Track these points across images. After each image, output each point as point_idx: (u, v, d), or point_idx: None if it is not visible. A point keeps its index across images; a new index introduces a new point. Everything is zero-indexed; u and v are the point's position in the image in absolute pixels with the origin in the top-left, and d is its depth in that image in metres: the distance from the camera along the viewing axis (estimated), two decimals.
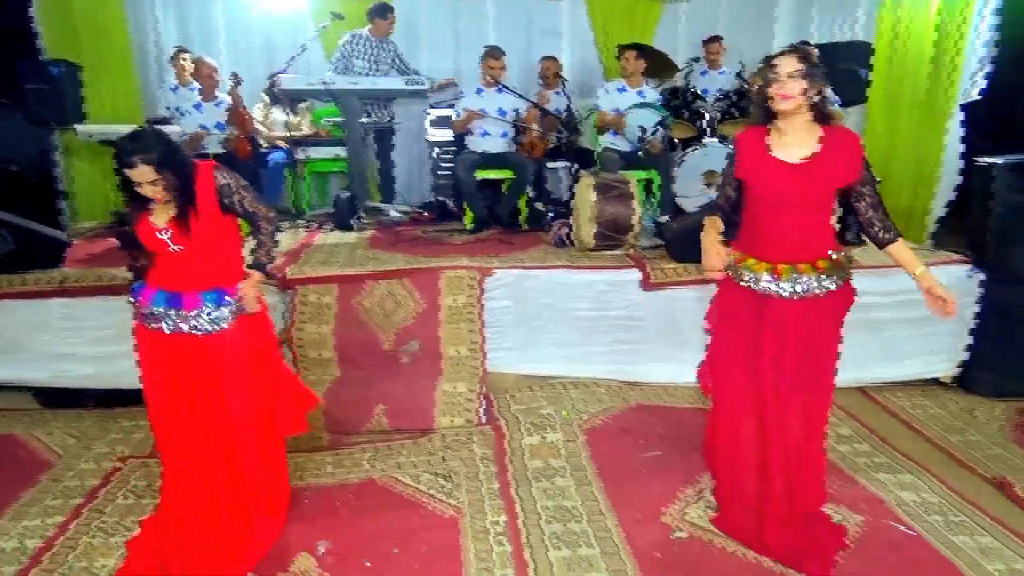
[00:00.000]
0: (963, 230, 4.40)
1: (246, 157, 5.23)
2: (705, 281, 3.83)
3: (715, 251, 2.52)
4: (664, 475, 3.12)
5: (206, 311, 2.34)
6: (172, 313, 2.31)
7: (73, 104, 5.56)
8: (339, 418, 3.52)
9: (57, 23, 5.99)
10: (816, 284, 2.40)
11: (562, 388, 3.93)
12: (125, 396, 3.69)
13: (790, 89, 2.27)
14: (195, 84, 5.54)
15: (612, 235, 4.24)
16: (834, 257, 2.43)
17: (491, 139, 5.30)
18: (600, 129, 5.28)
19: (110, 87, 6.19)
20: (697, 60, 6.08)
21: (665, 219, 4.83)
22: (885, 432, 3.59)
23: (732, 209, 2.61)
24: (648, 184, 5.27)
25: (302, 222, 5.44)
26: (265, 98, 5.87)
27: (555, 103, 5.78)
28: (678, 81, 6.13)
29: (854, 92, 5.87)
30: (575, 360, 4.05)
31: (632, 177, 4.43)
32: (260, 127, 5.65)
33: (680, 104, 5.82)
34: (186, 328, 2.32)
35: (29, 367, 3.82)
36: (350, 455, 3.33)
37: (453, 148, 5.93)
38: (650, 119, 5.03)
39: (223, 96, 5.34)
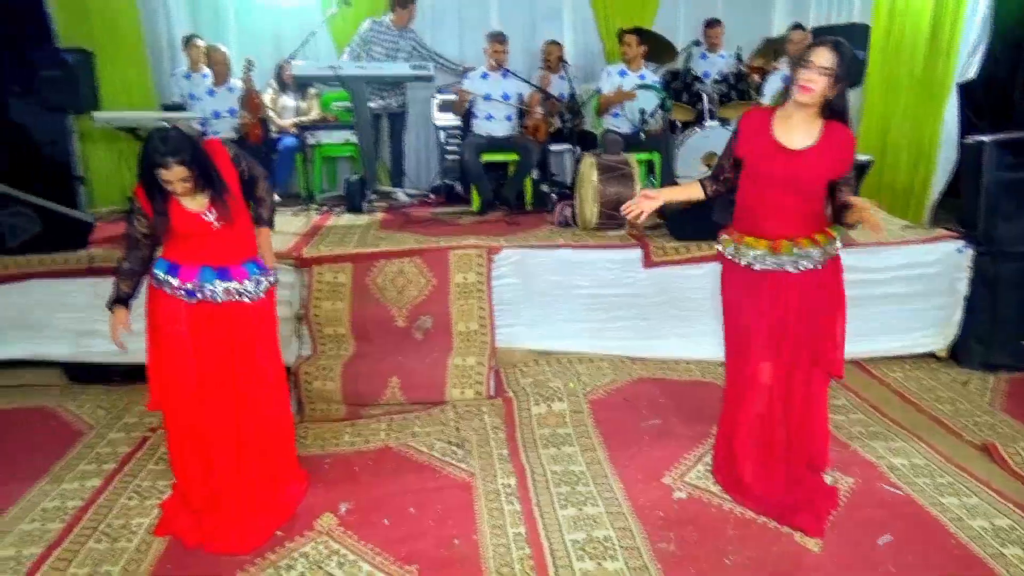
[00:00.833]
0: (958, 208, 4.52)
1: (257, 141, 5.37)
2: (705, 259, 3.98)
3: (653, 196, 2.64)
4: (665, 441, 3.28)
5: (252, 279, 2.58)
6: (225, 285, 2.52)
7: (87, 91, 5.66)
8: (355, 391, 3.68)
9: (70, 10, 6.09)
10: (817, 256, 2.53)
11: (568, 362, 4.08)
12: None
13: (814, 83, 2.34)
14: (207, 71, 5.66)
15: (614, 214, 4.36)
16: (826, 232, 2.57)
17: (496, 123, 5.42)
18: (602, 111, 5.40)
19: (123, 74, 6.29)
20: (697, 43, 6.17)
21: None
22: (878, 402, 3.73)
23: (725, 186, 2.70)
24: (650, 165, 5.39)
25: (314, 205, 5.58)
26: (274, 84, 5.99)
27: (557, 87, 5.89)
28: (678, 64, 6.23)
29: (853, 74, 5.96)
30: (580, 335, 4.19)
31: (634, 158, 4.55)
32: (271, 113, 5.77)
33: (680, 87, 5.93)
34: (239, 297, 2.54)
35: (58, 344, 3.99)
36: (367, 426, 3.49)
37: (459, 132, 6.06)
38: (651, 101, 5.15)
39: (235, 82, 5.47)
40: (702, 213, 3.79)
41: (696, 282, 4.07)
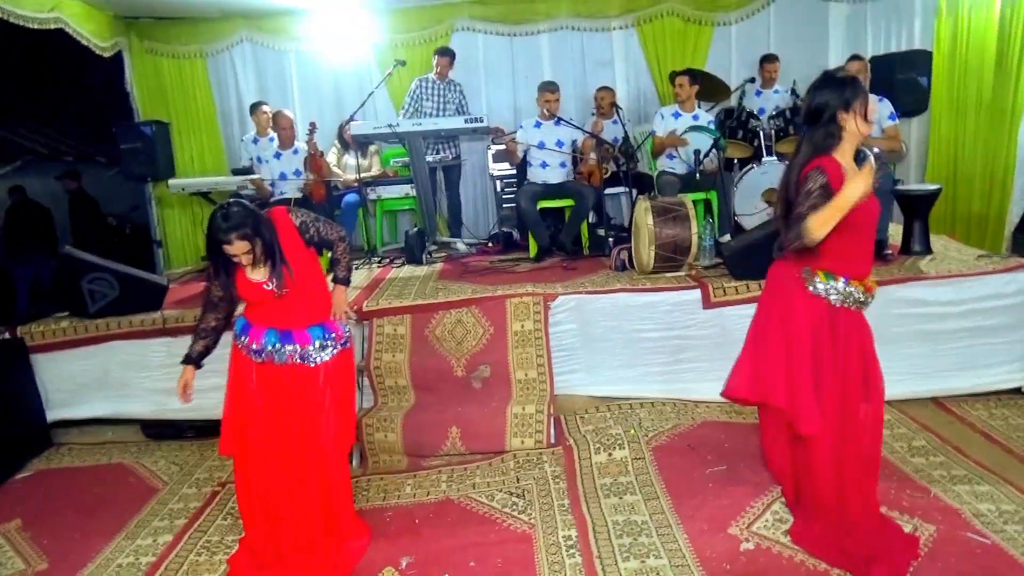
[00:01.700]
0: None
1: (321, 200, 5.57)
2: None
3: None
4: (731, 489, 3.17)
5: (316, 344, 2.67)
6: (288, 348, 2.62)
7: (164, 160, 6.06)
8: (416, 442, 3.71)
9: (149, 86, 6.55)
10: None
11: (629, 408, 4.01)
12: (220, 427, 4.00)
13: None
14: (273, 135, 5.94)
15: (672, 256, 4.33)
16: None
17: (551, 170, 5.49)
18: (657, 153, 5.40)
19: (197, 142, 6.72)
20: (751, 80, 6.13)
21: (725, 238, 4.89)
22: (961, 443, 3.52)
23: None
24: (707, 204, 5.34)
25: (375, 259, 5.72)
26: (337, 144, 6.23)
27: (611, 131, 5.93)
28: (732, 102, 6.19)
29: (915, 101, 5.83)
30: (641, 380, 4.13)
31: (689, 199, 4.52)
32: (335, 170, 5.99)
33: (735, 124, 5.88)
34: (301, 360, 2.64)
35: (135, 402, 4.20)
36: (428, 477, 3.51)
37: (515, 180, 6.16)
38: (705, 142, 5.12)
39: (300, 144, 5.72)
40: (761, 251, 3.71)
41: None
